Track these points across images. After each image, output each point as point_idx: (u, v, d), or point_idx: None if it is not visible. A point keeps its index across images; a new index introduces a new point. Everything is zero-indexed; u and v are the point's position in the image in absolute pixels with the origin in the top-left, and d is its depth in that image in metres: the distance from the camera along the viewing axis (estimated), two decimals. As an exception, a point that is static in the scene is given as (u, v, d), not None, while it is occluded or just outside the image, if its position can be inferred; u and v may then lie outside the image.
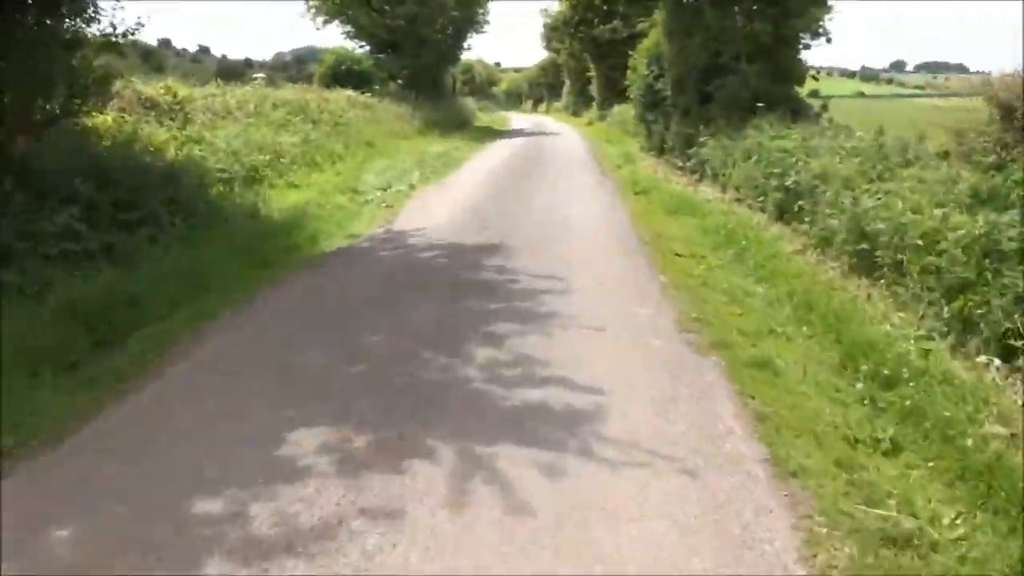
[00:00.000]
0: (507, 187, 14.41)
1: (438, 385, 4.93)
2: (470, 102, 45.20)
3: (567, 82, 52.97)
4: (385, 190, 13.37)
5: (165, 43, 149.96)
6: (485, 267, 8.12)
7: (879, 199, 7.44)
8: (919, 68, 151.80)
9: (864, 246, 7.35)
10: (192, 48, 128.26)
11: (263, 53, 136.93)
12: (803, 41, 15.17)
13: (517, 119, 51.17)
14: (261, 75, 24.13)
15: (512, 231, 10.04)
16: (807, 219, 9.13)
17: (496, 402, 4.67)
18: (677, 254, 8.83)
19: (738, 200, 11.99)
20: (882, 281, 7.04)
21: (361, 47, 31.06)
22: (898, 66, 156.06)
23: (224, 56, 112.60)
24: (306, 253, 8.90)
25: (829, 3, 14.66)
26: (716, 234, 9.88)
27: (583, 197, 13.39)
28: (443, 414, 4.50)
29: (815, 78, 16.49)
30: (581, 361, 5.36)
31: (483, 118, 43.15)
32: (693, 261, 8.52)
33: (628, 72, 21.72)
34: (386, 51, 31.00)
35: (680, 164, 16.71)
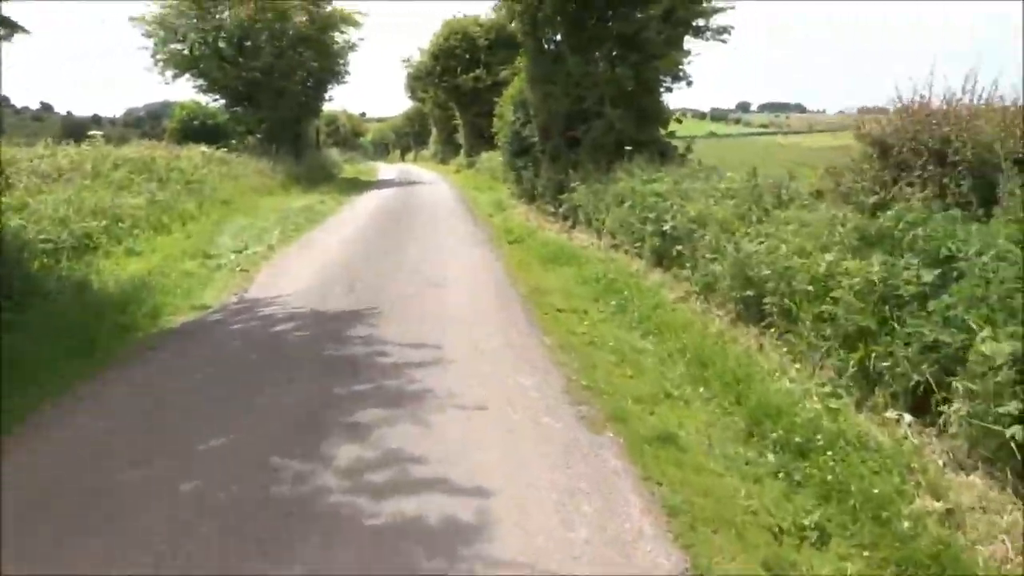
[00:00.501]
0: (375, 242, 13.59)
1: (291, 503, 4.02)
2: (335, 154, 44.06)
3: (434, 130, 52.78)
4: (241, 252, 12.26)
5: (2, 101, 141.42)
6: (350, 339, 7.26)
7: (760, 243, 7.15)
8: (762, 108, 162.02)
9: (750, 292, 7.01)
10: (35, 105, 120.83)
11: (114, 109, 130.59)
12: (664, 84, 15.25)
13: (385, 169, 50.43)
14: (98, 132, 22.29)
15: (381, 292, 9.22)
16: (687, 264, 8.81)
17: (361, 521, 3.82)
18: (559, 309, 8.27)
19: (614, 246, 11.65)
20: (772, 330, 6.69)
21: (215, 100, 29.56)
22: (744, 107, 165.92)
23: (69, 113, 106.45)
24: (143, 332, 7.73)
25: (687, 47, 14.79)
26: (596, 284, 9.42)
27: (456, 249, 12.74)
28: (294, 546, 3.61)
29: (679, 120, 16.64)
30: (462, 453, 4.59)
31: (349, 169, 42.14)
32: (576, 316, 7.97)
33: (494, 119, 21.45)
34: (242, 104, 29.64)
35: (552, 210, 16.40)
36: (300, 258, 11.98)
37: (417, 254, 12.05)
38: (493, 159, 28.29)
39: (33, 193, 12.20)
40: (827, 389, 5.28)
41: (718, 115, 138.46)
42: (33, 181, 12.80)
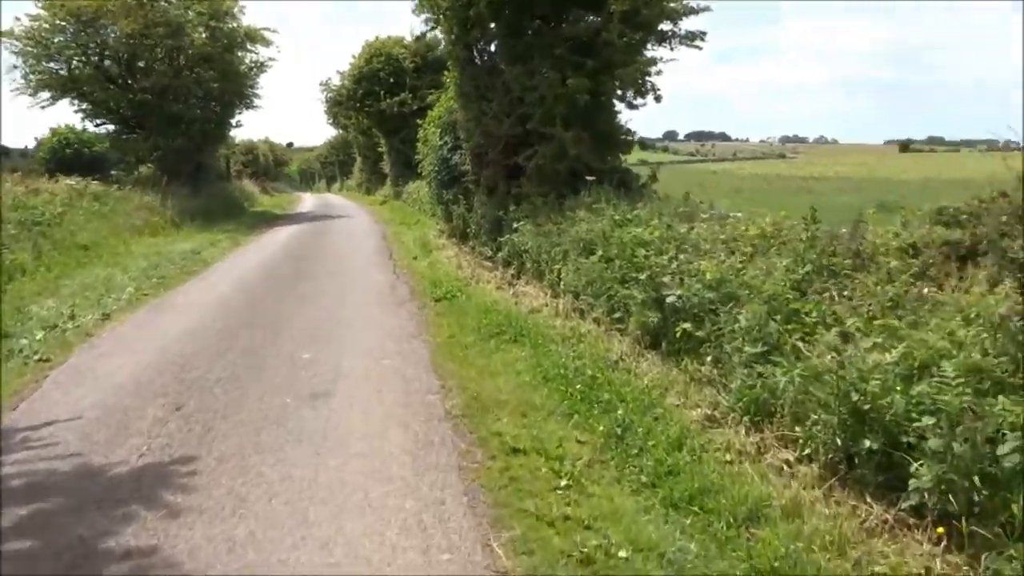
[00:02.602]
0: (257, 304, 9.96)
1: None
2: (249, 185, 39.92)
3: (358, 159, 49.12)
4: (55, 327, 8.51)
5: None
6: (127, 542, 3.69)
7: (884, 347, 3.91)
8: (688, 137, 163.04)
9: (871, 445, 3.74)
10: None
11: (26, 140, 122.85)
12: (626, 100, 12.10)
13: (306, 200, 46.46)
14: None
15: (222, 416, 5.61)
16: (710, 359, 5.55)
17: None
18: (515, 448, 4.86)
19: (578, 311, 8.34)
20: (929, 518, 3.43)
21: (98, 125, 25.38)
22: (671, 135, 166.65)
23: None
24: None
25: (650, 55, 11.68)
26: (564, 384, 6.01)
27: (364, 316, 9.21)
28: None
29: (642, 145, 13.50)
30: None
31: (267, 202, 38.16)
32: (547, 468, 4.56)
33: (418, 144, 18.04)
34: (133, 130, 25.54)
35: (489, 254, 13.06)
36: (136, 336, 8.26)
37: (307, 327, 8.49)
38: (421, 189, 24.88)
39: None
40: None
41: (646, 143, 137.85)
42: None
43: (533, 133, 12.51)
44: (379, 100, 32.94)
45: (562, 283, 9.01)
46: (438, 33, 14.29)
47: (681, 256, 6.58)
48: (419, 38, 14.55)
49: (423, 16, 14.61)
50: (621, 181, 12.24)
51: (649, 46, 12.03)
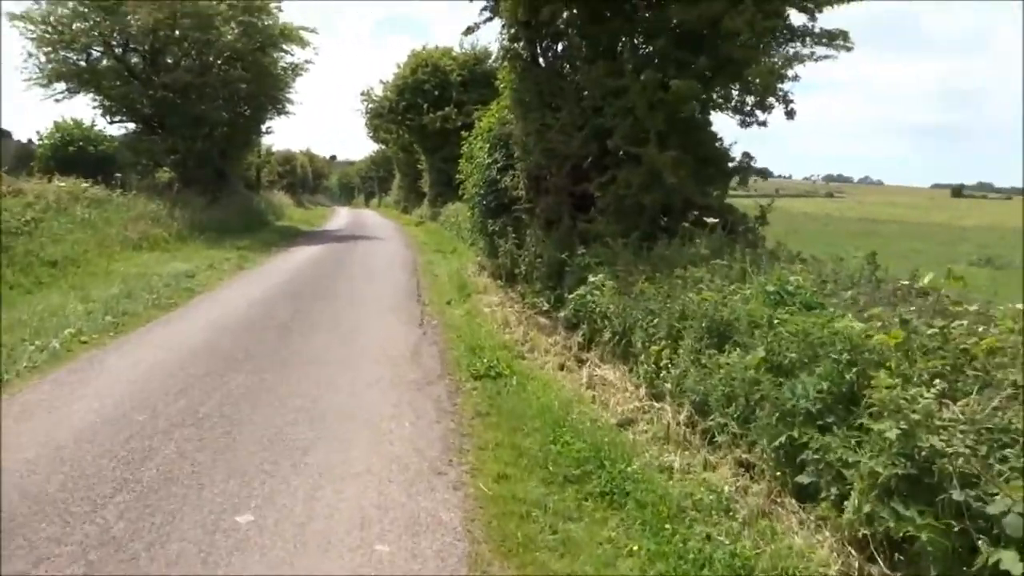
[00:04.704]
0: (221, 374, 6.85)
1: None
2: (281, 197, 37.29)
3: (397, 175, 46.44)
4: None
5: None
6: None
7: None
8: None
9: None
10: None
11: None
12: (746, 112, 8.86)
13: (340, 215, 43.86)
14: None
15: None
16: None
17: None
18: None
19: (707, 436, 5.08)
20: None
21: (113, 122, 22.77)
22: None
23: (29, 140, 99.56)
24: None
25: (792, 48, 8.44)
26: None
27: (369, 409, 6.01)
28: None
29: (763, 174, 10.21)
30: None
31: (295, 215, 35.45)
32: None
33: (461, 161, 14.94)
34: (154, 130, 22.88)
35: (546, 307, 9.86)
36: (47, 414, 5.20)
37: (269, 433, 5.33)
38: (461, 213, 21.84)
39: None
40: None
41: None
42: None
43: (612, 153, 9.39)
44: (422, 114, 30.11)
45: (670, 380, 5.75)
46: (497, 21, 11.15)
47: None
48: (470, 29, 11.16)
49: (479, 4, 11.60)
50: (724, 223, 9.06)
51: (774, 45, 8.84)
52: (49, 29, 21.38)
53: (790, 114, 8.55)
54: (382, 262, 17.05)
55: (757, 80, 8.18)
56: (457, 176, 15.91)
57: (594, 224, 9.63)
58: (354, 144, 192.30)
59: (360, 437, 5.25)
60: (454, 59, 31.10)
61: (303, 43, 25.00)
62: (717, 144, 9.27)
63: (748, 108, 8.93)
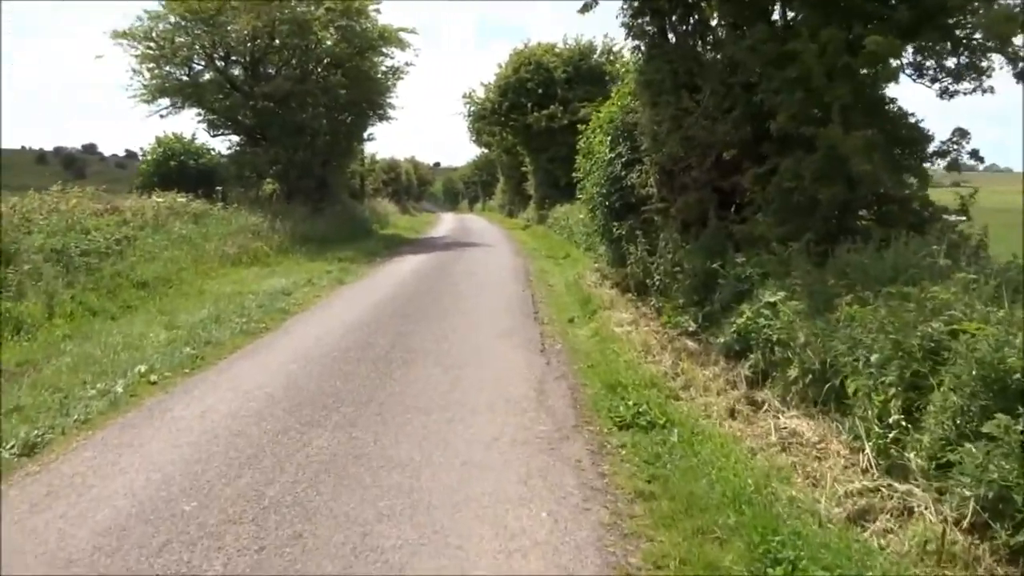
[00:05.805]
0: (315, 424, 5.51)
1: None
2: (385, 205, 36.75)
3: (501, 178, 45.33)
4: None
5: (89, 148, 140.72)
6: None
7: None
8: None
9: None
10: (121, 152, 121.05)
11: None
12: (955, 77, 6.85)
13: (445, 221, 43.10)
14: None
15: None
16: None
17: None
18: None
19: (992, 544, 3.31)
20: None
21: (216, 135, 22.41)
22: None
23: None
24: None
25: None
26: None
27: (486, 475, 4.54)
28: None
29: (977, 156, 8.07)
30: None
31: (400, 223, 34.75)
32: None
33: (578, 157, 13.28)
34: (257, 142, 22.38)
35: (693, 328, 8.08)
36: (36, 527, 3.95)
37: (375, 522, 3.90)
38: (572, 215, 20.26)
39: None
40: None
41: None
42: None
43: (773, 139, 7.55)
44: (526, 114, 28.72)
45: (920, 450, 3.94)
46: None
47: None
48: (587, 6, 9.49)
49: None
50: (913, 220, 7.11)
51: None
52: (152, 45, 21.19)
53: (1021, 75, 6.45)
54: (491, 272, 15.60)
55: (981, 33, 6.16)
56: (574, 175, 14.27)
57: (750, 225, 7.81)
58: (457, 151, 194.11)
59: (478, 544, 3.69)
60: (558, 55, 29.58)
61: (403, 44, 24.04)
62: (911, 120, 7.29)
63: (955, 71, 6.88)
